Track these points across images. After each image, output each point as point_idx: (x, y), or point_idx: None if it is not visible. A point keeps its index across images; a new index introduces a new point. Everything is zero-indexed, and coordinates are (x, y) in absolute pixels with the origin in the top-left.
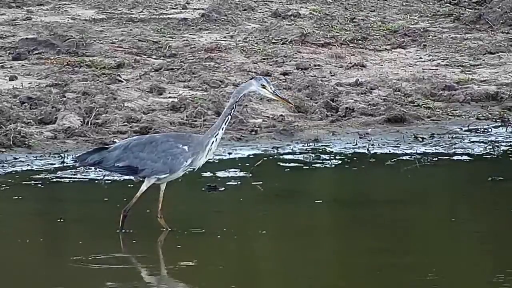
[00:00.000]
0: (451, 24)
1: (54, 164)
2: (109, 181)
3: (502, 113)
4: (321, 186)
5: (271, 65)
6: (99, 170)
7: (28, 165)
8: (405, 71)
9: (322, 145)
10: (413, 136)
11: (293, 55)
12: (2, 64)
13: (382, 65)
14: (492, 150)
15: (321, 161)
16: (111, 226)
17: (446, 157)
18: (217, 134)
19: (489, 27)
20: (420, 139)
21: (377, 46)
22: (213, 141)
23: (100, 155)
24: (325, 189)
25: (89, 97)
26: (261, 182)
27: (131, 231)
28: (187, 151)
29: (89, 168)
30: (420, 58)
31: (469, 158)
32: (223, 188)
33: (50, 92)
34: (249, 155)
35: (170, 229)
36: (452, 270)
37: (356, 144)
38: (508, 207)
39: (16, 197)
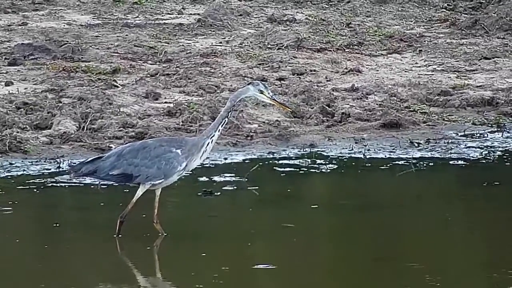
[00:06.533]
0: (447, 29)
1: (50, 169)
2: (105, 186)
3: (498, 118)
4: (317, 191)
5: (266, 70)
6: (94, 180)
7: (24, 170)
8: (401, 76)
9: (318, 150)
10: (409, 141)
11: (288, 60)
12: None
13: (378, 71)
14: (488, 155)
15: (317, 166)
16: (107, 231)
17: (442, 162)
18: (213, 136)
19: (485, 33)
20: (416, 144)
21: (373, 51)
22: (208, 143)
23: (94, 165)
24: (321, 194)
25: (85, 102)
26: (257, 187)
27: (127, 236)
28: (181, 154)
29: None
30: (416, 63)
31: (465, 163)
32: (218, 193)
33: (46, 97)
34: (245, 160)
35: (166, 234)
36: (449, 274)
37: (352, 149)
38: (504, 212)
39: (11, 202)
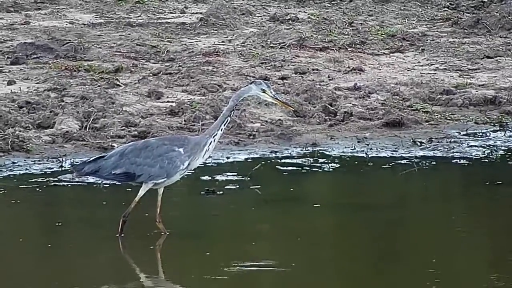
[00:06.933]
0: (449, 28)
1: (52, 168)
2: (107, 185)
3: (500, 117)
4: (319, 190)
5: (269, 69)
6: (97, 180)
7: (26, 169)
8: (403, 75)
9: (320, 149)
10: (411, 140)
11: (291, 59)
12: (0, 68)
13: (380, 69)
14: (490, 154)
15: (319, 165)
16: (110, 230)
17: (445, 161)
18: (215, 135)
19: (487, 32)
20: (418, 143)
21: (375, 50)
22: (211, 142)
23: (96, 164)
24: (323, 193)
25: (87, 101)
26: (259, 186)
27: (130, 235)
28: (183, 153)
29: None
30: (418, 62)
31: (467, 162)
32: (221, 192)
33: (48, 96)
34: (247, 159)
35: (168, 232)
36: (451, 274)
37: (355, 148)
38: (506, 211)
39: (14, 201)
